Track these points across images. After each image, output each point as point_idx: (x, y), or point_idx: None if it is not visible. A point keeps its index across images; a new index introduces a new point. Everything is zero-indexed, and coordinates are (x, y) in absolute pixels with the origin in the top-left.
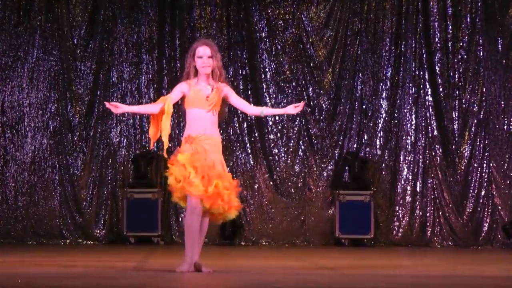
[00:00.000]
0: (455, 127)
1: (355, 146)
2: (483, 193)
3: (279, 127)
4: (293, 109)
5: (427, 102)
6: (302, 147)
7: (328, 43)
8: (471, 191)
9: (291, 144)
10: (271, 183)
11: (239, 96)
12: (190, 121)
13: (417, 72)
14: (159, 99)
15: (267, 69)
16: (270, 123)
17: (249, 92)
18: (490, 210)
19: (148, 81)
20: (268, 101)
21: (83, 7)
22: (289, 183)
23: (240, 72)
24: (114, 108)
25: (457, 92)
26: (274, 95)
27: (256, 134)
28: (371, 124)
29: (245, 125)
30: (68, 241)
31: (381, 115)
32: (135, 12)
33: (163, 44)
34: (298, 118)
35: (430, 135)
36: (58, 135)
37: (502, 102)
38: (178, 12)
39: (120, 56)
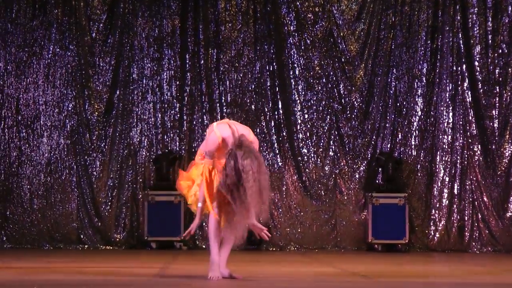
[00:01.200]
0: (495, 125)
1: (388, 146)
2: None
3: (309, 126)
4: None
5: (465, 100)
6: (333, 147)
7: (360, 37)
8: None
9: (321, 144)
10: (299, 185)
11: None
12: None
13: (454, 68)
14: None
15: (295, 65)
16: (299, 121)
17: (277, 89)
18: None
19: (170, 77)
20: (296, 98)
21: (102, 0)
22: (319, 185)
23: (267, 68)
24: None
25: (497, 88)
26: (303, 92)
27: (284, 133)
28: (405, 123)
29: (272, 124)
30: (86, 246)
31: (416, 113)
32: (156, 5)
33: (186, 39)
34: (328, 117)
35: (468, 134)
36: (75, 135)
37: None
38: (202, 5)
39: (141, 51)
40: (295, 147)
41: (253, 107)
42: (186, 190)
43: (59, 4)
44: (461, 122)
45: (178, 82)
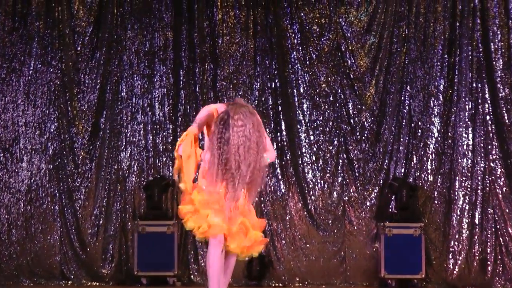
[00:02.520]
0: None
1: (402, 170)
2: None
3: (314, 149)
4: None
5: (486, 119)
6: (341, 172)
7: (371, 51)
8: None
9: (329, 169)
10: (305, 213)
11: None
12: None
13: (474, 85)
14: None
15: (300, 82)
16: (304, 144)
17: (279, 109)
18: None
19: (162, 95)
20: (301, 118)
21: (88, 11)
22: (326, 214)
23: (269, 85)
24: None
25: None
26: (308, 112)
27: (288, 157)
28: (421, 145)
29: (274, 146)
30: (70, 282)
31: (432, 135)
32: (147, 17)
33: (179, 53)
34: (336, 139)
35: (490, 157)
36: (58, 159)
37: None
38: (197, 16)
39: (130, 67)
40: (299, 172)
41: None
42: (187, 216)
43: (40, 16)
44: (482, 144)
45: (171, 101)
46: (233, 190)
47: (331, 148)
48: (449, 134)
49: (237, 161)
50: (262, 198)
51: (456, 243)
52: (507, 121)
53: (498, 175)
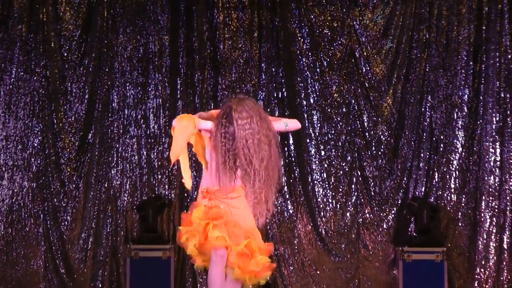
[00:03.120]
0: None
1: (423, 189)
2: None
3: (325, 165)
4: None
5: None
6: (355, 191)
7: (388, 57)
8: None
9: (341, 187)
10: (315, 237)
11: None
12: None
13: (502, 95)
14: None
15: (309, 91)
16: (314, 160)
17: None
18: None
19: (157, 106)
20: (311, 132)
21: (75, 13)
22: (339, 237)
23: (275, 95)
24: None
25: None
26: (318, 124)
27: (296, 174)
28: (443, 161)
29: (281, 163)
30: None
31: (456, 150)
32: (141, 19)
33: (176, 60)
34: (349, 154)
35: None
36: (42, 176)
37: None
38: (196, 19)
39: (122, 75)
40: (309, 190)
41: None
42: (185, 237)
43: (23, 19)
44: (511, 160)
45: (167, 112)
46: (252, 193)
47: (343, 164)
48: (475, 149)
49: (247, 155)
50: (267, 220)
51: (482, 269)
52: None
53: None
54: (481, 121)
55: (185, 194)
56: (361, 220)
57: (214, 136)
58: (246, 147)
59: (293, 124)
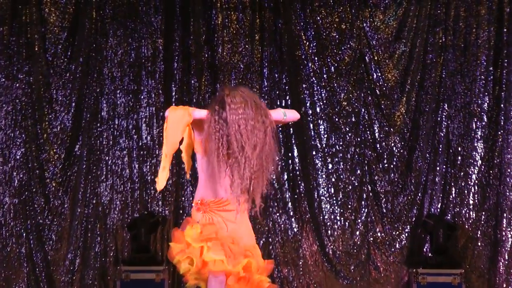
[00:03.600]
0: None
1: (439, 206)
2: None
3: (333, 180)
4: None
5: None
6: (365, 207)
7: (401, 63)
8: None
9: (350, 203)
10: (321, 257)
11: None
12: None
13: None
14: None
15: (315, 99)
16: (321, 173)
17: (291, 131)
18: None
19: (150, 115)
20: (317, 143)
21: (61, 14)
22: (347, 258)
23: (278, 103)
24: None
25: None
26: (325, 135)
27: (301, 189)
28: (461, 175)
29: (285, 177)
30: None
31: (475, 163)
32: (132, 21)
33: (171, 65)
34: (359, 167)
35: None
36: (25, 192)
37: None
38: (193, 20)
39: (112, 81)
40: (315, 207)
41: None
42: (179, 256)
43: (5, 20)
44: None
45: (161, 122)
46: (239, 178)
47: (353, 178)
48: (495, 162)
49: (239, 141)
50: (270, 239)
51: None
52: None
53: None
54: (502, 131)
55: (180, 211)
56: (371, 239)
57: (207, 124)
58: (239, 132)
59: (292, 114)
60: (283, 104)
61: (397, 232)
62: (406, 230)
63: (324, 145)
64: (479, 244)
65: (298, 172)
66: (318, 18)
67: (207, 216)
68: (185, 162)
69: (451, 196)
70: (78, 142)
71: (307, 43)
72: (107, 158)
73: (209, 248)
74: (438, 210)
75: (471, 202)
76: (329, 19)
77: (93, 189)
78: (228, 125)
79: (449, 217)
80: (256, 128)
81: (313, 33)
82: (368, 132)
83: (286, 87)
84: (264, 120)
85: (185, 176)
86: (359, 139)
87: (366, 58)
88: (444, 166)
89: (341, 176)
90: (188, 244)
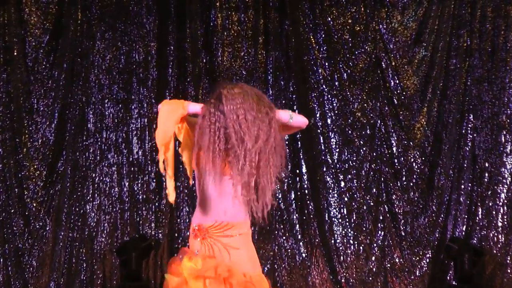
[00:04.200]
0: None
1: (463, 228)
2: None
3: (346, 199)
4: None
5: None
6: (382, 230)
7: (421, 69)
8: None
9: (365, 225)
10: (333, 286)
11: None
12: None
13: None
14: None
15: (326, 109)
16: (332, 192)
17: (299, 145)
18: None
19: (142, 127)
20: (328, 158)
21: (43, 15)
22: (362, 287)
23: None
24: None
25: None
26: (337, 149)
27: (310, 209)
28: (488, 194)
29: (292, 196)
30: None
31: (504, 180)
32: (122, 23)
33: (165, 71)
34: (374, 185)
35: None
36: (3, 213)
37: None
38: (189, 22)
39: (100, 90)
40: (325, 230)
41: None
42: None
43: None
44: None
45: (154, 135)
46: (238, 174)
47: (368, 198)
48: None
49: (238, 132)
50: (275, 265)
51: None
52: None
53: None
54: None
55: (176, 234)
56: (389, 265)
57: (201, 117)
58: (237, 123)
59: (300, 119)
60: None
61: (418, 258)
62: (428, 255)
63: (335, 161)
64: (509, 271)
65: (306, 191)
66: (329, 19)
67: (206, 243)
68: (186, 165)
69: (477, 218)
70: (61, 157)
71: (317, 47)
72: (93, 175)
73: (210, 283)
74: (463, 233)
75: (499, 224)
76: (341, 20)
77: (78, 209)
78: (226, 116)
79: (475, 241)
80: (258, 119)
81: (323, 35)
82: (384, 146)
83: (293, 96)
84: (268, 111)
85: (185, 188)
86: (374, 154)
87: (383, 63)
88: (470, 184)
89: (355, 195)
90: (185, 280)
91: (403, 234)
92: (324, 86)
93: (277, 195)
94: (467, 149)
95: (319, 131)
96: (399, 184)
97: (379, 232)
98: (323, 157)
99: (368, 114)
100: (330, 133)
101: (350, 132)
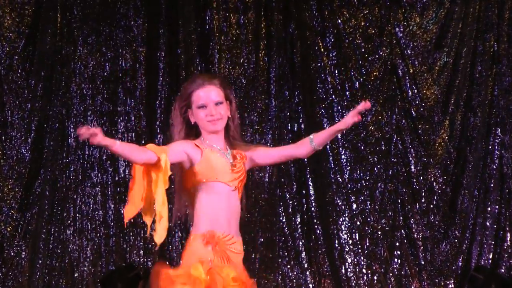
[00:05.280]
0: None
1: (490, 256)
2: None
3: (358, 223)
4: (352, 117)
5: None
6: (398, 257)
7: (442, 77)
8: None
9: (379, 253)
10: None
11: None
12: (207, 207)
13: None
14: (149, 145)
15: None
16: (342, 215)
17: (305, 162)
18: None
19: (129, 141)
20: (338, 177)
21: (19, 17)
22: None
23: (289, 127)
24: (89, 134)
25: None
26: (348, 167)
27: (318, 233)
28: None
29: (297, 219)
30: None
31: None
32: (107, 26)
33: (155, 79)
34: (390, 208)
35: None
36: None
37: None
38: (182, 24)
39: (82, 100)
40: (335, 258)
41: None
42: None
43: None
44: None
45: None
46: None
47: (382, 222)
48: None
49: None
50: None
51: None
52: None
53: None
54: None
55: (167, 262)
56: None
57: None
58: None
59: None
60: (295, 129)
61: None
62: (450, 286)
63: (346, 180)
64: None
65: (314, 214)
66: (339, 21)
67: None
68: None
69: (505, 244)
70: (39, 176)
71: (326, 53)
72: (75, 196)
73: None
74: (490, 261)
75: None
76: (352, 21)
77: (57, 235)
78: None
79: (503, 271)
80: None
81: (332, 39)
82: (401, 163)
83: (299, 108)
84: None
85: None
86: (390, 173)
87: (399, 71)
88: (497, 207)
89: (368, 219)
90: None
91: (422, 262)
92: (333, 97)
93: (281, 218)
94: (494, 167)
95: (328, 147)
96: (417, 207)
97: (396, 260)
98: (333, 176)
99: (383, 127)
100: (341, 149)
101: (362, 148)
